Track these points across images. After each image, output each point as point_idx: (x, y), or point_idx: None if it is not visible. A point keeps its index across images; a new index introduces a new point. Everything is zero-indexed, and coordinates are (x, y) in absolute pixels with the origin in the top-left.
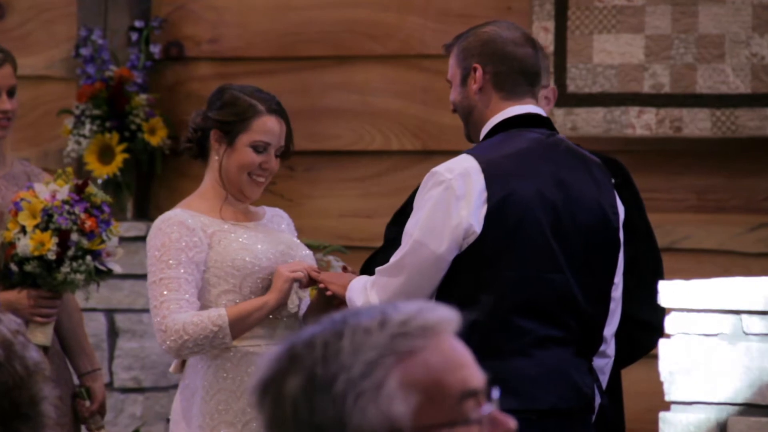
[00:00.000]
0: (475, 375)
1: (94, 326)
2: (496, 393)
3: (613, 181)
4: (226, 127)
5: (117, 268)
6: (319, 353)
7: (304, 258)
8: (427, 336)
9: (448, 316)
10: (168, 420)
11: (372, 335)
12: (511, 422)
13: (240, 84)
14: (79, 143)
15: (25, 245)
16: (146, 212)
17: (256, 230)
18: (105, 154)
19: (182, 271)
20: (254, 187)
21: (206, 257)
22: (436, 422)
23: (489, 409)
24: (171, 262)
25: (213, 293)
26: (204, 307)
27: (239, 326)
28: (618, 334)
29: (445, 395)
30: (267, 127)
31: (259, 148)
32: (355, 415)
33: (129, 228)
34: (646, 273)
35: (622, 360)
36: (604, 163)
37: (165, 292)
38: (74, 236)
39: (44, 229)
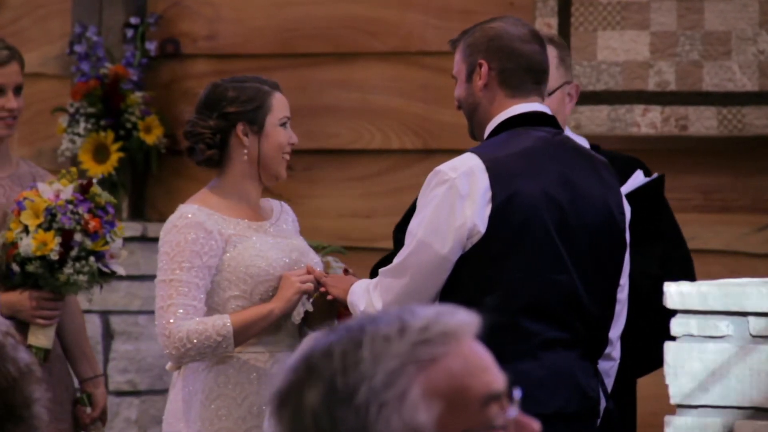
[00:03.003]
0: (496, 378)
1: (90, 328)
2: (518, 393)
3: (656, 175)
4: (252, 115)
5: (120, 270)
6: (338, 363)
7: (315, 266)
8: (447, 342)
9: (467, 320)
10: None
11: (392, 344)
12: (536, 425)
13: (227, 78)
14: (73, 142)
15: (28, 245)
16: (142, 212)
17: (269, 233)
18: (100, 153)
19: (194, 275)
20: (285, 166)
21: (219, 261)
22: (460, 429)
23: (514, 412)
24: (184, 264)
25: (222, 297)
26: (211, 309)
27: (243, 335)
28: (645, 341)
29: (469, 401)
30: (283, 102)
31: (284, 124)
32: (379, 425)
33: (125, 228)
34: (677, 271)
35: (648, 366)
36: (626, 163)
37: (174, 295)
38: (78, 236)
39: (47, 229)
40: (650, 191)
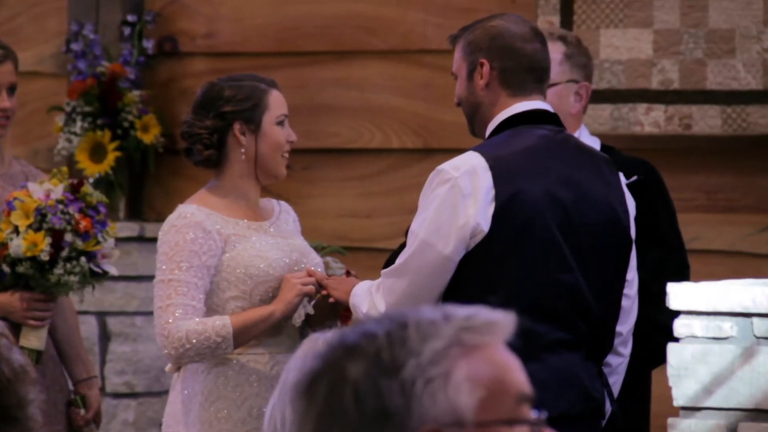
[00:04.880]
0: (527, 381)
1: (86, 329)
2: (535, 412)
3: (636, 178)
4: (249, 114)
5: (113, 270)
6: (383, 341)
7: (316, 266)
8: (490, 333)
9: (507, 318)
10: (161, 425)
11: (438, 326)
12: None
13: (223, 77)
14: (70, 141)
15: (18, 245)
16: (139, 212)
17: (269, 233)
18: (97, 153)
19: (193, 275)
20: (285, 164)
21: (219, 261)
22: (496, 419)
23: (544, 415)
24: (183, 264)
25: (222, 297)
26: (210, 310)
27: (243, 337)
28: (639, 339)
29: (506, 394)
30: (280, 100)
31: (282, 122)
32: (424, 401)
33: (122, 228)
34: (672, 278)
35: (644, 365)
36: (635, 165)
37: (173, 295)
38: (68, 237)
39: (37, 230)
40: (635, 193)
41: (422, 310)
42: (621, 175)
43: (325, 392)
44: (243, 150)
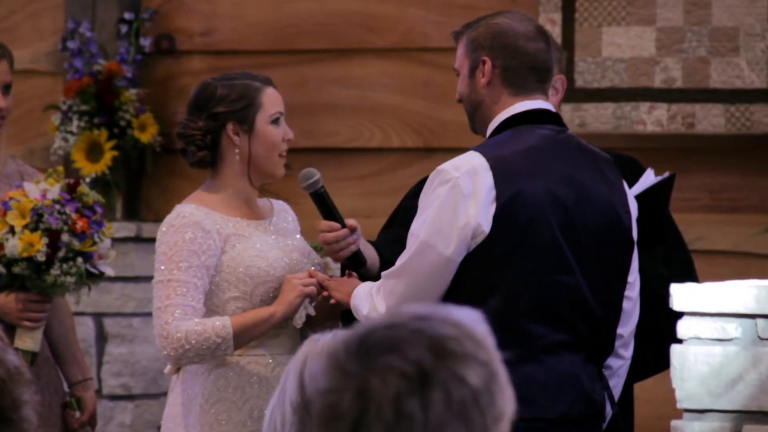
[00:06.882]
0: None
1: (82, 331)
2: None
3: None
4: (242, 113)
5: (109, 271)
6: (471, 347)
7: (316, 266)
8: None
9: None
10: (159, 427)
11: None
12: None
13: (217, 76)
14: (66, 140)
15: (14, 246)
16: (137, 212)
17: (268, 232)
18: (93, 152)
19: (192, 274)
20: (283, 163)
21: (218, 261)
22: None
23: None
24: (182, 264)
25: (222, 298)
26: (210, 311)
27: (243, 338)
28: (655, 344)
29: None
30: (274, 97)
31: (277, 120)
32: (507, 410)
33: (119, 228)
34: (677, 276)
35: (652, 367)
36: (623, 163)
37: (172, 296)
38: (65, 237)
39: (33, 230)
40: (661, 190)
41: (440, 313)
42: (651, 172)
43: (440, 395)
44: (237, 150)
